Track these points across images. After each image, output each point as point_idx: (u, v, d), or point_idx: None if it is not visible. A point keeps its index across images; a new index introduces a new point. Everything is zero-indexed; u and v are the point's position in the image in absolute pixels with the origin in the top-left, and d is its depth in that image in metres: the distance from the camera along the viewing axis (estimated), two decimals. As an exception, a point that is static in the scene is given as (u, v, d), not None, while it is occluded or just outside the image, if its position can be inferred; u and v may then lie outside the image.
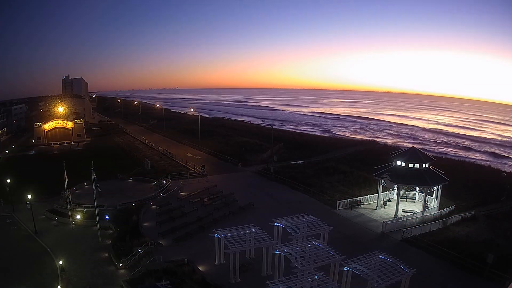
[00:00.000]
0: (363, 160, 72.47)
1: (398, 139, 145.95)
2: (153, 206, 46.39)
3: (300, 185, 54.22)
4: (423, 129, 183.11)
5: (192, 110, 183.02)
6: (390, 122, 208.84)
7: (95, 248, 37.01)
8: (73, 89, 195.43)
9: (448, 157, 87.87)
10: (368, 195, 48.02)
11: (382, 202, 46.41)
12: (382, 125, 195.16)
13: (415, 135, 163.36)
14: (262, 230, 32.32)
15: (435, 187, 43.38)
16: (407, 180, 42.63)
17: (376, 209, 45.39)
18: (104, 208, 44.82)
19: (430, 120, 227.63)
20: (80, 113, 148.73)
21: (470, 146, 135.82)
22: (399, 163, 44.50)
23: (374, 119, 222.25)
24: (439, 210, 42.95)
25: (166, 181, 55.68)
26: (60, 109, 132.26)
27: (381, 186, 45.23)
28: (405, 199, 47.43)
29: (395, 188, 44.71)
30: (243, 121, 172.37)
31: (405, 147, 76.02)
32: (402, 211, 43.04)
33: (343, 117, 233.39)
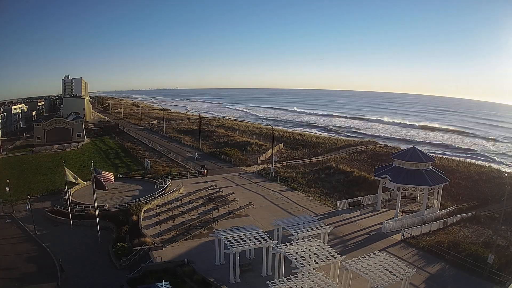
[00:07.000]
0: (363, 160, 72.54)
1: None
2: (152, 206, 46.33)
3: (300, 185, 54.19)
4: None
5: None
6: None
7: (95, 248, 36.95)
8: (73, 89, 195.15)
9: (449, 157, 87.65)
10: (369, 195, 47.98)
11: (382, 202, 46.40)
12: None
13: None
14: (262, 230, 32.33)
15: (435, 187, 43.35)
16: (408, 180, 42.57)
17: (376, 209, 45.38)
18: (105, 208, 44.81)
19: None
20: (79, 113, 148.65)
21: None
22: (399, 163, 44.49)
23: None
24: (439, 210, 42.94)
25: (166, 181, 55.64)
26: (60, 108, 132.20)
27: (381, 186, 45.22)
28: (406, 199, 47.39)
29: (396, 188, 44.69)
30: (243, 121, 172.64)
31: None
32: (403, 211, 43.01)
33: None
